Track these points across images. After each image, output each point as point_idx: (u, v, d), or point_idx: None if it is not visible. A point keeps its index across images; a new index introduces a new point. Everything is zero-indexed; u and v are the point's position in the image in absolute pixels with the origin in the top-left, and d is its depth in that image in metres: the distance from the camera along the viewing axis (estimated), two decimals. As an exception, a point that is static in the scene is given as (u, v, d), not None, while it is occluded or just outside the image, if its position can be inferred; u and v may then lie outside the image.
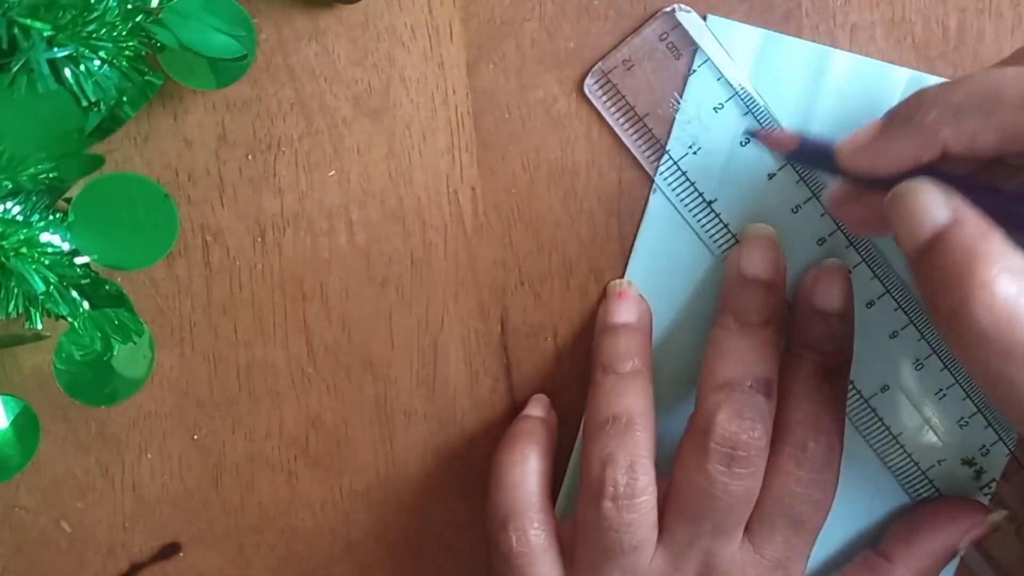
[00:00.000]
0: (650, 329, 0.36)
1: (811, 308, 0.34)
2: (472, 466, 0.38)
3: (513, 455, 0.35)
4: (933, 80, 0.35)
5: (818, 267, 0.35)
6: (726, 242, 0.36)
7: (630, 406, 0.33)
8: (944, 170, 0.29)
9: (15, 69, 0.28)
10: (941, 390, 0.36)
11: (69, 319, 0.31)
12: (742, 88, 0.35)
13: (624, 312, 0.35)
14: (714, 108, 0.35)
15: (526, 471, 0.34)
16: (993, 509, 0.36)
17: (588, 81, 0.35)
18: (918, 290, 0.29)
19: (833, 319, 0.34)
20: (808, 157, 0.33)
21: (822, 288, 0.34)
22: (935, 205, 0.28)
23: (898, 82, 0.35)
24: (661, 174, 0.36)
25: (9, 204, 0.30)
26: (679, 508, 0.33)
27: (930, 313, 0.29)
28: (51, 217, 0.31)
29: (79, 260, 0.31)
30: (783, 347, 0.35)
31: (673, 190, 0.36)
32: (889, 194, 0.29)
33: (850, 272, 0.35)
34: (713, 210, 0.36)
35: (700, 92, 0.35)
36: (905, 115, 0.29)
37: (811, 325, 0.34)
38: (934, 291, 0.28)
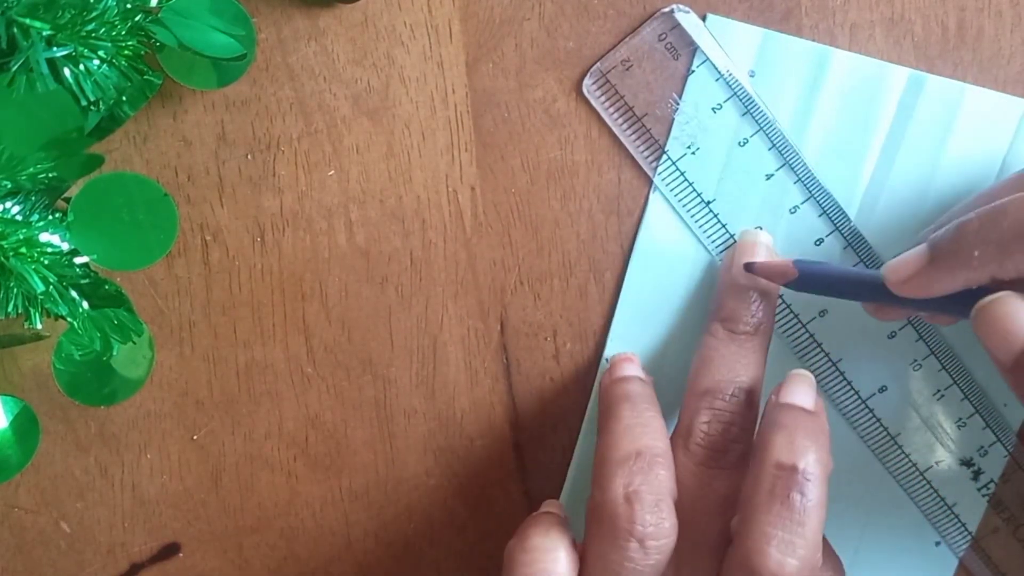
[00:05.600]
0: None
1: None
2: (471, 466, 0.38)
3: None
4: (932, 79, 0.35)
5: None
6: (724, 242, 0.36)
7: (653, 444, 0.32)
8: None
9: (14, 69, 0.28)
10: (939, 391, 0.36)
11: (69, 319, 0.31)
12: (741, 88, 0.35)
13: (628, 368, 0.35)
14: (712, 108, 0.35)
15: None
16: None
17: (586, 81, 0.35)
18: (1018, 396, 0.30)
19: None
20: (811, 284, 0.33)
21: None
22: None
23: (898, 81, 0.35)
24: (660, 174, 0.36)
25: (9, 204, 0.30)
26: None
27: None
28: (51, 217, 0.31)
29: (79, 260, 0.31)
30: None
31: (672, 190, 0.36)
32: (975, 309, 0.30)
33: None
34: (711, 210, 0.36)
35: (699, 92, 0.35)
36: (950, 251, 0.30)
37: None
38: None
